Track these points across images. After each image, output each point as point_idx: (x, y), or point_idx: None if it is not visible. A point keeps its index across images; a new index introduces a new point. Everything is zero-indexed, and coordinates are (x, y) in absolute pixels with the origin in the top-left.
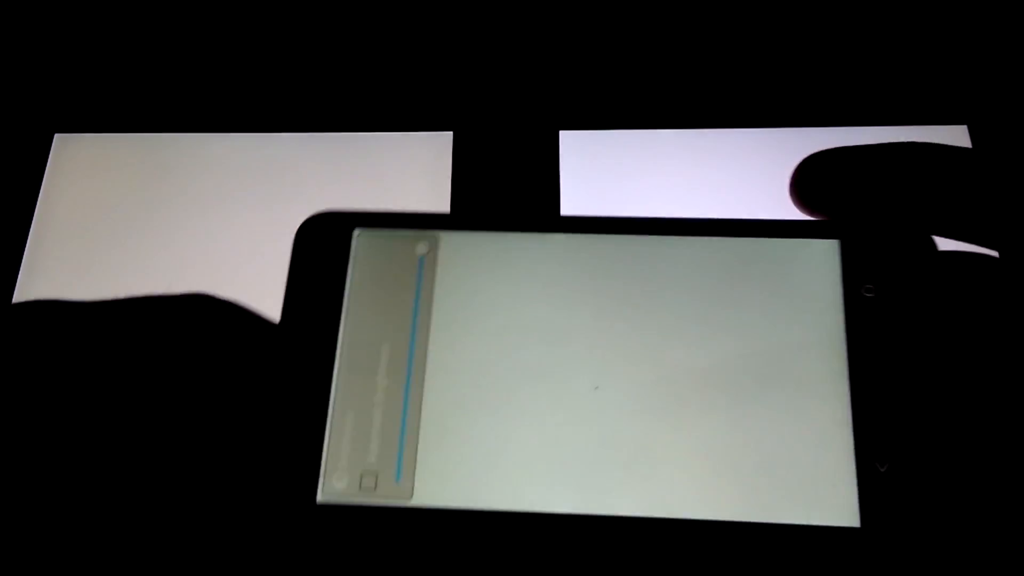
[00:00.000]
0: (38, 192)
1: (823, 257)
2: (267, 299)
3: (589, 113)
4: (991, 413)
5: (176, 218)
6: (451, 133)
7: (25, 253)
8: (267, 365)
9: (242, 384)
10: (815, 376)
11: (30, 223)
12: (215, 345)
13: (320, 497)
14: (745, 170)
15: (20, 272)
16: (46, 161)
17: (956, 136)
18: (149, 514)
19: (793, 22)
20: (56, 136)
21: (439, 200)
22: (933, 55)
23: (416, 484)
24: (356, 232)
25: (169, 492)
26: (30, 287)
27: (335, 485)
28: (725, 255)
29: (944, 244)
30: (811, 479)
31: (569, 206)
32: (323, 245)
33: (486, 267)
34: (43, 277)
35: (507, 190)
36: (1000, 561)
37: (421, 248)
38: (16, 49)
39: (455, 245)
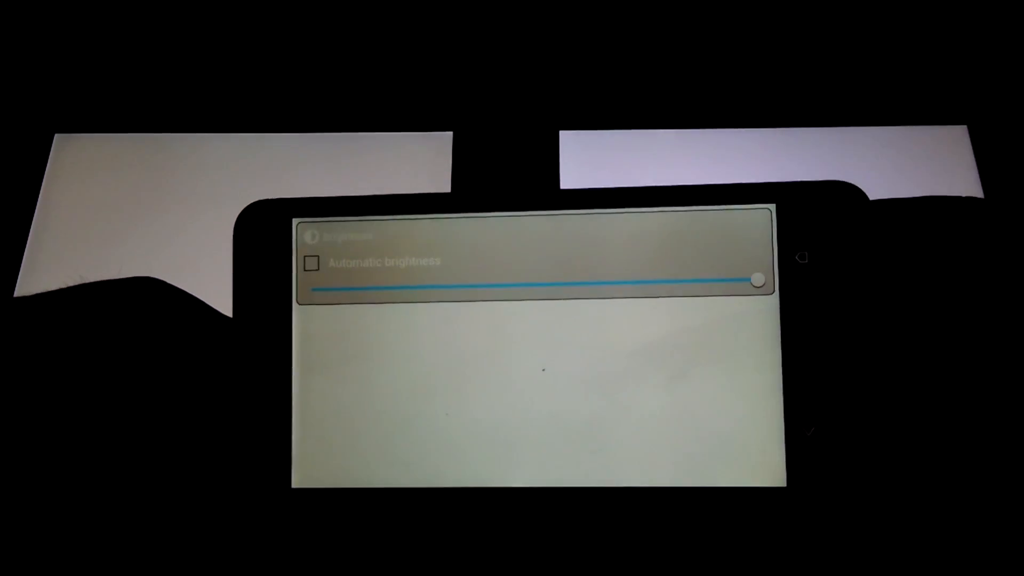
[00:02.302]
0: (38, 192)
1: (759, 224)
2: None
3: (589, 113)
4: (913, 384)
5: (176, 218)
6: (451, 133)
7: (25, 253)
8: (222, 357)
9: (197, 373)
10: (748, 346)
11: (30, 223)
12: (166, 327)
13: (295, 482)
14: (745, 170)
15: (20, 272)
16: (46, 161)
17: (956, 136)
18: (128, 512)
19: (793, 22)
20: (56, 136)
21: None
22: (933, 55)
23: (381, 467)
24: (296, 222)
25: (144, 492)
26: (30, 287)
27: (307, 471)
28: (662, 227)
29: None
30: (743, 445)
31: None
32: (264, 236)
33: (421, 252)
34: (43, 277)
35: (507, 189)
36: (914, 520)
37: (365, 235)
38: (16, 49)
39: (394, 230)
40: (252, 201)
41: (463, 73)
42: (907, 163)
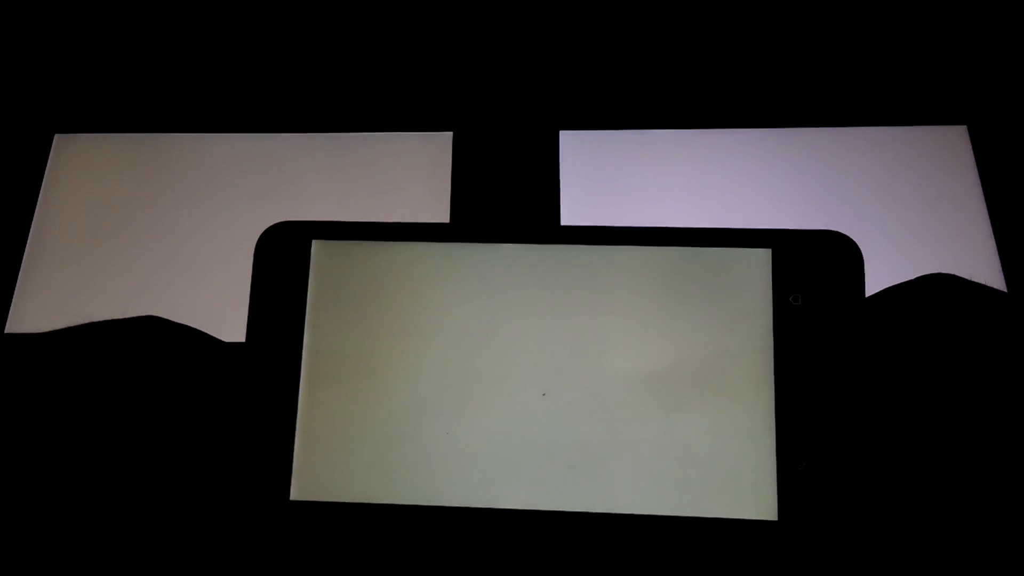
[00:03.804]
0: (38, 192)
1: (756, 266)
2: None
3: (589, 113)
4: (903, 420)
5: (176, 218)
6: (451, 133)
7: (25, 253)
8: (226, 377)
9: (198, 398)
10: (743, 381)
11: (30, 223)
12: (167, 362)
13: (293, 494)
14: (745, 170)
15: (20, 272)
16: (46, 161)
17: (956, 136)
18: (132, 521)
19: (793, 22)
20: (56, 136)
21: (439, 200)
22: (933, 55)
23: (380, 483)
24: (314, 243)
25: (148, 500)
26: (30, 287)
27: (306, 484)
28: (663, 263)
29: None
30: (736, 477)
31: (569, 206)
32: (282, 255)
33: (434, 278)
34: (43, 277)
35: (507, 190)
36: (901, 558)
37: (380, 258)
38: (16, 49)
39: (410, 256)
40: (253, 201)
41: (463, 73)
42: (907, 163)
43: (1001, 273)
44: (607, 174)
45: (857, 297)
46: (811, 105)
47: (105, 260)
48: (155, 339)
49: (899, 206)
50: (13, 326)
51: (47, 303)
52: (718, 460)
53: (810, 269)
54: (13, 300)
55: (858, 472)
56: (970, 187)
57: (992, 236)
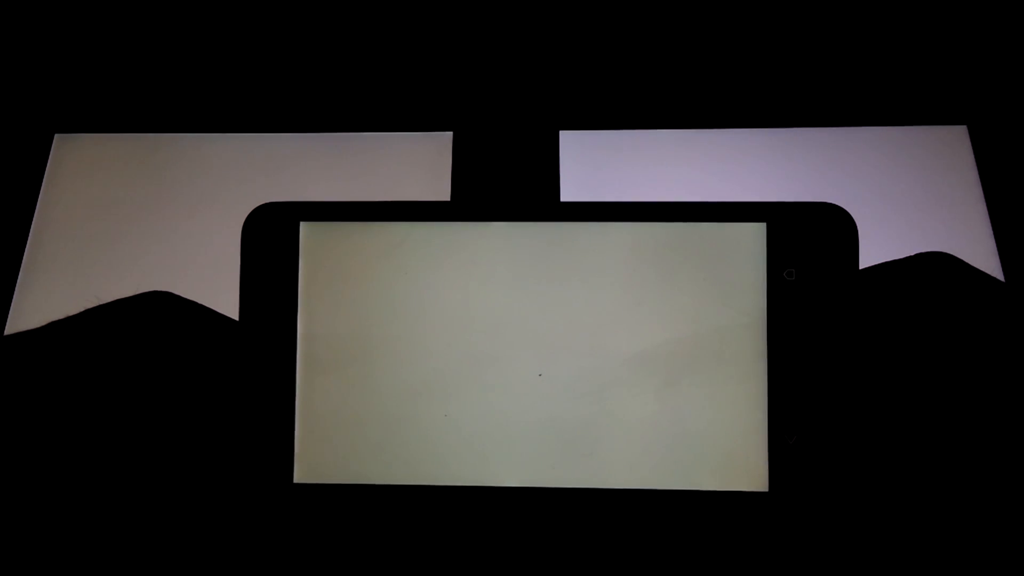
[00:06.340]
0: (38, 192)
1: (751, 240)
2: None
3: (589, 113)
4: (893, 395)
5: (176, 218)
6: (451, 133)
7: (25, 253)
8: (230, 357)
9: (205, 376)
10: (736, 356)
11: (30, 223)
12: (176, 336)
13: (297, 477)
14: (745, 170)
15: (20, 272)
16: (46, 161)
17: (956, 136)
18: (138, 506)
19: (792, 22)
20: (56, 136)
21: (439, 199)
22: (933, 55)
23: (381, 464)
24: (302, 224)
25: (153, 486)
26: (30, 287)
27: (308, 467)
28: (657, 240)
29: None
30: (729, 451)
31: None
32: (270, 238)
33: (424, 258)
34: (43, 277)
35: (507, 190)
36: (889, 526)
37: (369, 239)
38: (16, 49)
39: (398, 236)
40: (253, 201)
41: (463, 73)
42: (907, 163)
43: (1001, 272)
44: (607, 173)
45: (851, 271)
46: (811, 105)
47: (105, 260)
48: (165, 314)
49: (899, 206)
50: (13, 324)
51: (47, 302)
52: (711, 434)
53: (805, 243)
54: (13, 299)
55: (848, 445)
56: (970, 187)
57: (992, 236)
